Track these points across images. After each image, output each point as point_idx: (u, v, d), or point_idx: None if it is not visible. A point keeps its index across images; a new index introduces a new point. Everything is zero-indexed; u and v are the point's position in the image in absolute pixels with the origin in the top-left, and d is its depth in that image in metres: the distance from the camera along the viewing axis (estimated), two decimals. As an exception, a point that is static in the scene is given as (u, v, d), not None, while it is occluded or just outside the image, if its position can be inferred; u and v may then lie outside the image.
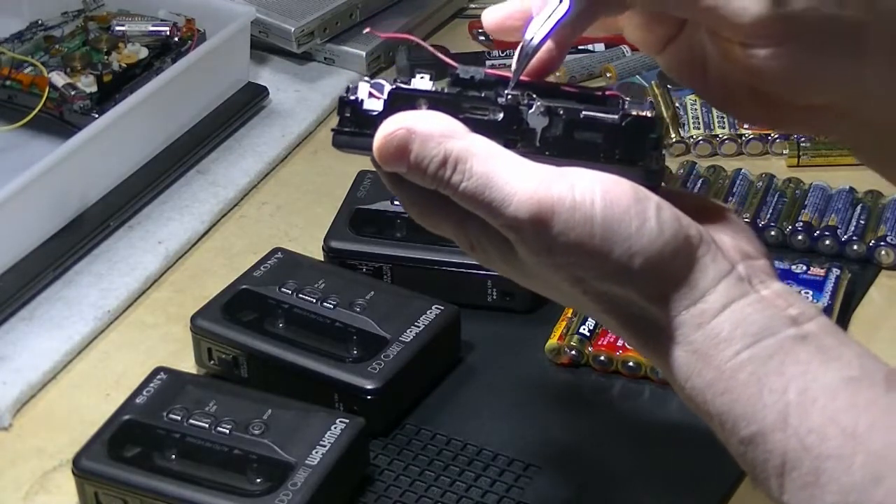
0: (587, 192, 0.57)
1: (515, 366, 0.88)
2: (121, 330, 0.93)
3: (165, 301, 0.96)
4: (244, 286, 0.89)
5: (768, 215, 0.97)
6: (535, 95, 0.61)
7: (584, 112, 0.60)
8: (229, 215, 1.03)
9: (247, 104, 1.11)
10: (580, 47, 1.17)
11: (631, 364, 0.86)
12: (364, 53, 1.16)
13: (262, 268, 0.90)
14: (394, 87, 0.62)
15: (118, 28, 1.10)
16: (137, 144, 1.03)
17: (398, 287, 0.90)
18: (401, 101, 0.61)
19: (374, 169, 0.97)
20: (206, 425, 0.79)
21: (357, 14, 1.18)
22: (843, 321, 0.90)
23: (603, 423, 0.85)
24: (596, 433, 0.84)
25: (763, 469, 0.57)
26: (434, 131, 0.59)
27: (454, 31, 1.24)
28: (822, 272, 0.92)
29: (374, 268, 0.92)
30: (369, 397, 0.82)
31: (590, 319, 0.88)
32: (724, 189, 1.00)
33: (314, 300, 0.87)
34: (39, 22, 1.14)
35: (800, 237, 0.96)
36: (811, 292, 0.90)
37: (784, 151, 1.05)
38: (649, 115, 0.61)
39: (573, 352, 0.87)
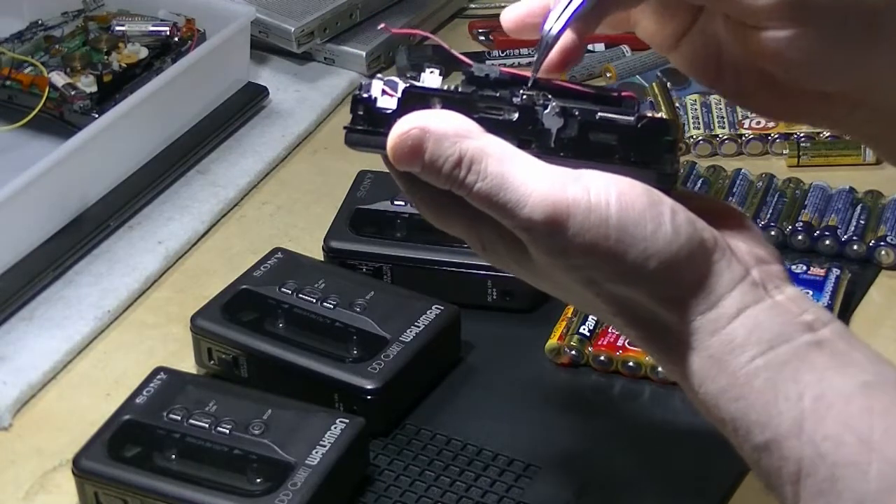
0: (602, 194, 0.57)
1: (515, 366, 0.88)
2: (121, 330, 0.93)
3: (165, 301, 0.96)
4: (244, 286, 0.89)
5: (768, 215, 0.97)
6: (550, 96, 0.60)
7: (599, 113, 0.60)
8: (229, 215, 1.03)
9: (247, 104, 1.11)
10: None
11: (631, 364, 0.86)
12: (364, 53, 1.16)
13: (262, 268, 0.90)
14: (408, 85, 0.61)
15: (118, 28, 1.10)
16: (137, 144, 1.03)
17: (398, 287, 0.90)
18: (415, 99, 0.61)
19: (374, 170, 0.98)
20: (206, 425, 0.79)
21: (357, 14, 1.18)
22: (844, 321, 0.89)
23: (603, 423, 0.85)
24: (596, 433, 0.84)
25: (777, 476, 0.57)
26: (449, 131, 0.59)
27: (454, 31, 1.24)
28: (822, 272, 0.92)
29: (374, 268, 0.92)
30: (369, 397, 0.82)
31: (590, 319, 0.88)
32: (724, 189, 1.00)
33: (314, 300, 0.87)
34: (39, 22, 1.14)
35: (800, 237, 0.96)
36: (811, 292, 0.89)
37: (784, 151, 1.05)
38: (665, 117, 0.60)
39: (573, 352, 0.87)
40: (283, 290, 0.88)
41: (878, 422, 0.55)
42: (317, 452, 0.77)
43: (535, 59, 0.62)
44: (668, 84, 1.11)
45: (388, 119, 0.60)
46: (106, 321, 0.93)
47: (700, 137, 1.06)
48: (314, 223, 1.00)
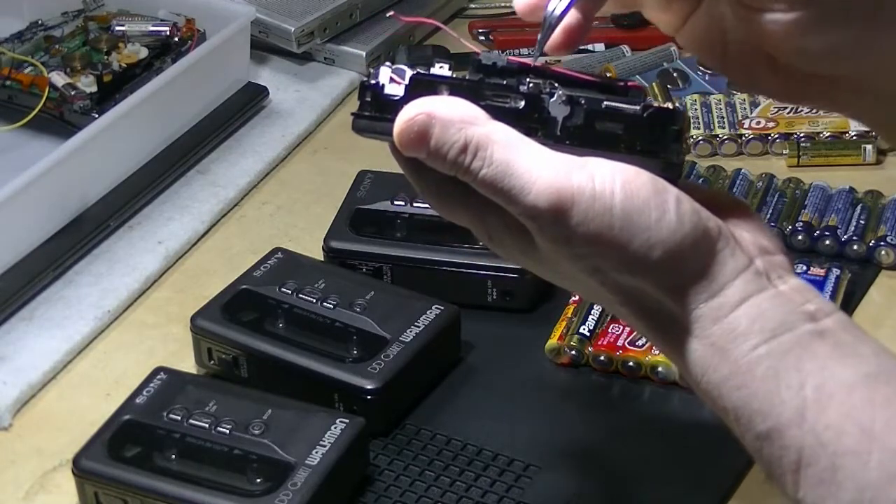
0: (607, 182, 0.57)
1: (515, 366, 0.88)
2: (121, 330, 0.93)
3: (165, 301, 0.96)
4: (244, 286, 0.89)
5: (768, 215, 0.97)
6: (556, 84, 0.61)
7: (605, 102, 0.60)
8: (229, 215, 1.03)
9: (247, 104, 1.11)
10: (580, 47, 1.17)
11: (631, 364, 0.86)
12: (364, 53, 1.16)
13: (262, 268, 0.90)
14: (415, 72, 0.62)
15: (118, 28, 1.10)
16: (137, 144, 1.03)
17: (398, 287, 0.90)
18: (422, 86, 0.61)
19: (374, 170, 0.98)
20: (206, 425, 0.79)
21: (357, 14, 1.18)
22: (844, 321, 0.90)
23: (603, 423, 0.85)
24: (596, 433, 0.84)
25: (778, 465, 0.57)
26: (455, 117, 0.59)
27: (454, 30, 1.24)
28: (822, 272, 0.92)
29: (374, 268, 0.92)
30: (369, 397, 0.82)
31: (590, 319, 0.88)
32: (724, 189, 1.00)
33: (314, 300, 0.87)
34: (39, 22, 1.14)
35: (800, 237, 0.96)
36: (811, 292, 0.89)
37: (784, 151, 1.05)
38: (671, 107, 0.61)
39: (573, 352, 0.87)
40: (283, 290, 0.88)
41: (880, 412, 0.56)
42: (317, 452, 0.77)
43: (538, 38, 0.62)
44: (668, 84, 1.11)
45: (395, 106, 0.60)
46: (106, 321, 0.93)
47: (700, 137, 1.06)
48: (314, 223, 1.00)
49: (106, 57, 1.08)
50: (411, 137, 0.59)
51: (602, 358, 0.87)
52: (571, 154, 0.58)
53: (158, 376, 0.82)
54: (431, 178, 0.61)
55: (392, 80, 0.61)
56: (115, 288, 0.95)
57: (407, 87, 0.61)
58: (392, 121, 0.60)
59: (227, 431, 0.78)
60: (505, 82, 0.61)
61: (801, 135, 1.06)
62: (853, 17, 0.62)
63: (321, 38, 1.17)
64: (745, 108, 1.08)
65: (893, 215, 0.96)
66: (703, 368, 0.58)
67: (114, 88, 1.06)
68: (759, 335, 0.57)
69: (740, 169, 1.02)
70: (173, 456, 0.78)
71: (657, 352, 0.86)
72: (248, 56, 1.12)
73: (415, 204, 0.94)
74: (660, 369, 0.85)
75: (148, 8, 1.12)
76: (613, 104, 0.60)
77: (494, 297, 0.91)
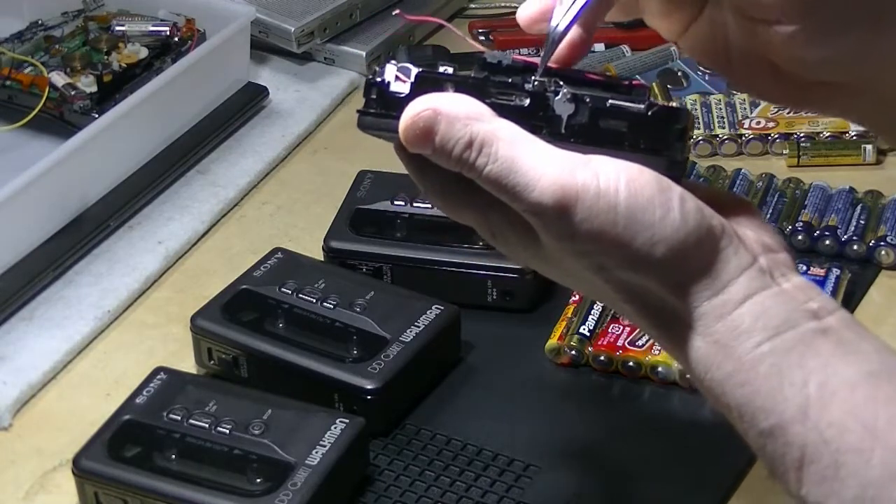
0: (612, 180, 0.57)
1: (515, 366, 0.88)
2: (121, 330, 0.93)
3: (165, 301, 0.96)
4: (244, 286, 0.89)
5: (768, 215, 0.97)
6: (561, 82, 0.61)
7: (610, 100, 0.61)
8: (229, 215, 1.03)
9: (247, 104, 1.11)
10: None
11: (631, 364, 0.86)
12: (364, 53, 1.16)
13: (262, 268, 0.90)
14: (421, 69, 0.62)
15: (118, 28, 1.10)
16: (137, 144, 1.03)
17: (398, 287, 0.90)
18: (427, 84, 0.61)
19: (374, 170, 0.98)
20: (206, 425, 0.79)
21: (357, 14, 1.18)
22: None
23: (603, 423, 0.85)
24: (596, 433, 0.84)
25: (781, 462, 0.57)
26: (460, 113, 0.59)
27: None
28: (822, 272, 0.92)
29: (374, 268, 0.92)
30: (369, 397, 0.82)
31: (590, 319, 0.88)
32: (724, 189, 1.00)
33: (314, 300, 0.87)
34: (39, 22, 1.14)
35: (800, 237, 0.96)
36: (811, 292, 0.90)
37: (784, 151, 1.05)
38: (676, 105, 0.61)
39: (573, 352, 0.87)
40: (283, 290, 0.88)
41: (883, 410, 0.56)
42: (317, 452, 0.77)
43: (542, 54, 0.62)
44: (669, 84, 1.11)
45: (401, 103, 0.60)
46: (106, 321, 0.93)
47: (700, 137, 1.06)
48: (314, 223, 1.00)
49: (106, 57, 1.08)
50: (417, 133, 0.59)
51: (602, 358, 0.87)
52: (576, 152, 0.58)
53: (158, 376, 0.82)
54: (435, 176, 0.61)
55: (398, 77, 0.62)
56: (115, 288, 0.95)
57: (412, 84, 0.61)
58: (397, 118, 0.60)
59: (227, 431, 0.78)
60: (510, 80, 0.61)
61: (801, 135, 1.06)
62: (854, 24, 0.62)
63: (321, 38, 1.17)
64: (745, 108, 1.08)
65: (893, 215, 0.96)
66: (706, 366, 0.58)
67: (114, 88, 1.06)
68: (763, 332, 0.57)
69: (740, 169, 1.02)
70: (173, 456, 0.78)
71: (657, 352, 0.86)
72: (248, 56, 1.12)
73: (415, 204, 0.94)
74: (660, 369, 0.85)
75: (148, 8, 1.12)
76: (618, 102, 0.60)
77: (494, 297, 0.91)
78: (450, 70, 0.62)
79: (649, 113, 0.60)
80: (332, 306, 0.87)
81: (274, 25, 1.15)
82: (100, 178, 1.00)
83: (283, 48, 1.16)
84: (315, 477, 0.76)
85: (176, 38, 1.10)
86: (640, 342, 0.86)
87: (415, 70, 0.62)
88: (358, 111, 0.62)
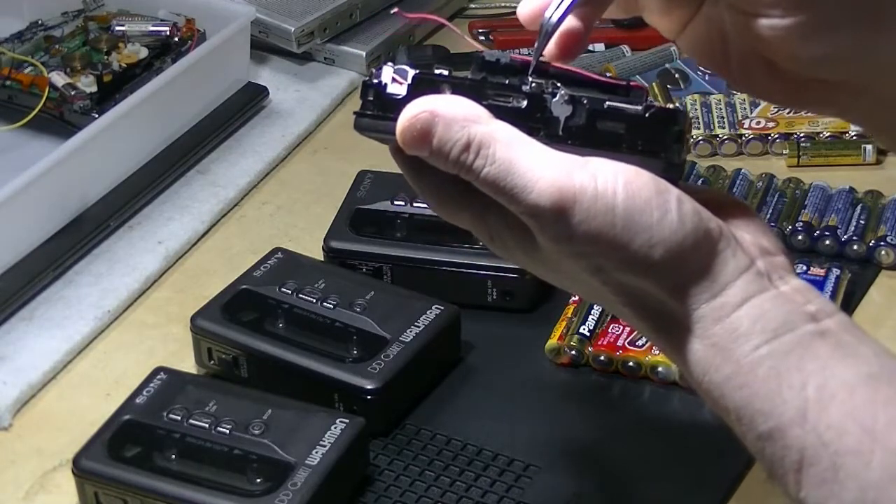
0: (609, 182, 0.57)
1: (515, 366, 0.88)
2: (121, 330, 0.93)
3: (165, 301, 0.96)
4: (244, 286, 0.89)
5: (768, 215, 0.97)
6: (559, 84, 0.61)
7: (607, 102, 0.60)
8: (229, 215, 1.03)
9: (247, 104, 1.11)
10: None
11: (631, 364, 0.86)
12: (364, 53, 1.16)
13: (262, 268, 0.90)
14: (418, 71, 0.62)
15: (118, 28, 1.10)
16: (137, 144, 1.03)
17: (398, 287, 0.90)
18: (425, 85, 0.61)
19: (374, 170, 0.98)
20: (206, 425, 0.79)
21: (357, 14, 1.18)
22: (844, 321, 0.90)
23: (603, 423, 0.85)
24: (596, 433, 0.84)
25: (780, 465, 0.57)
26: (458, 115, 0.59)
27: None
28: (822, 272, 0.92)
29: (374, 268, 0.92)
30: (369, 397, 0.82)
31: (590, 319, 0.88)
32: (724, 189, 1.00)
33: (314, 300, 0.87)
34: (39, 22, 1.14)
35: (800, 237, 0.96)
36: (811, 292, 0.89)
37: (784, 151, 1.05)
38: (673, 107, 0.61)
39: (573, 352, 0.87)
40: (283, 290, 0.88)
41: (881, 412, 0.56)
42: (317, 452, 0.77)
43: (535, 46, 0.62)
44: (668, 84, 1.11)
45: (398, 105, 0.60)
46: (106, 321, 0.93)
47: (700, 137, 1.06)
48: (314, 223, 1.00)
49: (106, 57, 1.08)
50: (414, 135, 0.59)
51: (602, 358, 0.87)
52: (573, 153, 0.58)
53: (158, 376, 0.82)
54: (432, 179, 0.61)
55: (394, 79, 0.61)
56: (115, 288, 0.95)
57: (409, 86, 0.61)
58: (394, 120, 0.60)
59: (227, 431, 0.78)
60: (507, 81, 0.61)
61: (801, 135, 1.06)
62: (852, 21, 0.62)
63: (321, 38, 1.17)
64: (745, 108, 1.08)
65: (893, 215, 0.96)
66: (704, 368, 0.58)
67: (114, 88, 1.06)
68: (761, 335, 0.57)
69: (740, 169, 1.02)
70: (173, 456, 0.78)
71: (657, 352, 0.86)
72: (248, 56, 1.12)
73: (415, 204, 0.94)
74: (660, 369, 0.85)
75: (148, 8, 1.12)
76: (616, 104, 0.60)
77: (494, 297, 0.91)
78: (445, 72, 0.62)
79: (647, 115, 0.60)
80: (332, 306, 0.87)
81: (274, 25, 1.15)
82: (100, 178, 1.00)
83: (283, 48, 1.16)
84: (315, 477, 0.76)
85: (176, 38, 1.10)
86: (640, 342, 0.87)
87: (412, 72, 0.62)
88: (355, 113, 0.62)
